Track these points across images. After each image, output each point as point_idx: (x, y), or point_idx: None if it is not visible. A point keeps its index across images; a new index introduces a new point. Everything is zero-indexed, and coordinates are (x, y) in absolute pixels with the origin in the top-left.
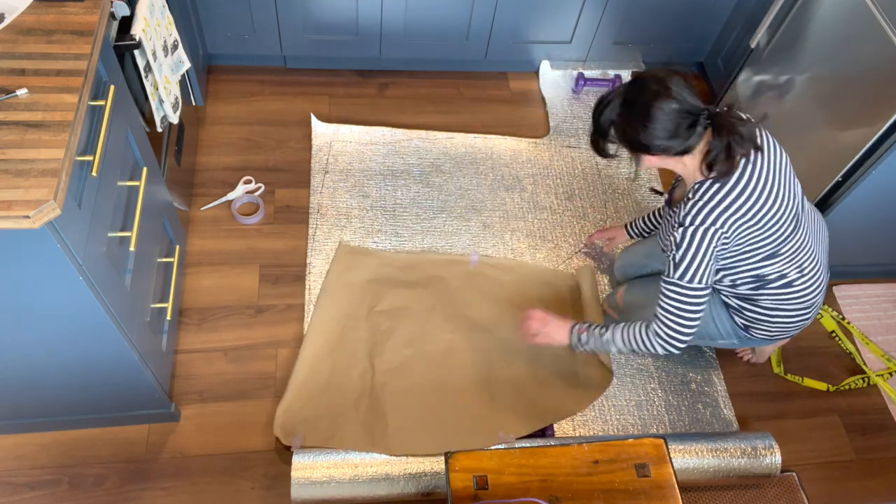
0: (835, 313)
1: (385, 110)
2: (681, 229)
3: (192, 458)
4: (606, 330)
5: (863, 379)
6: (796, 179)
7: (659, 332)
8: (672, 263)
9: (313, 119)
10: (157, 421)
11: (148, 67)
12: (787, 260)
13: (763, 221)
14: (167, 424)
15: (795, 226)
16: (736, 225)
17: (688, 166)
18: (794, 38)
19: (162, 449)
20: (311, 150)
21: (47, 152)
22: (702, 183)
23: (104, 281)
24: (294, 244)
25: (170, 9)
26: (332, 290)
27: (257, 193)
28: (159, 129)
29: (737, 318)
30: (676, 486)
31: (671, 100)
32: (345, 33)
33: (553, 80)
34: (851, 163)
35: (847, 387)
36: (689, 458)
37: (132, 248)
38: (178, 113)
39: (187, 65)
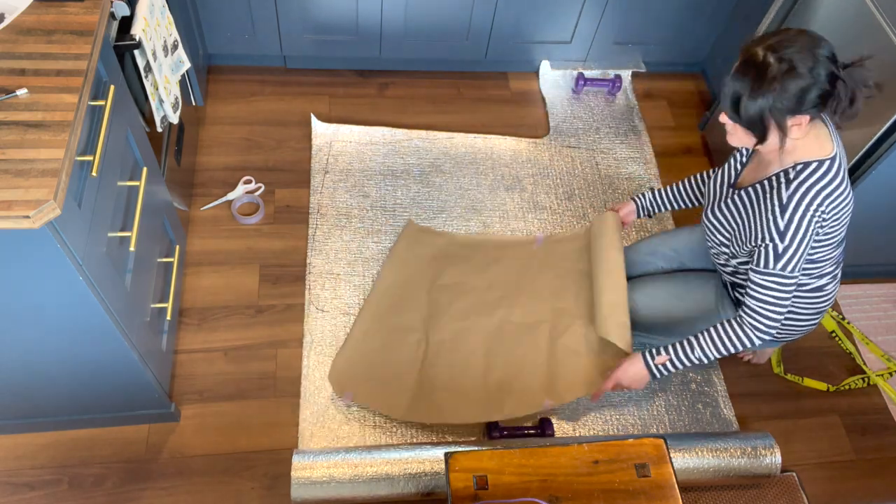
0: (835, 313)
1: (385, 110)
2: (786, 215)
3: (192, 458)
4: (688, 347)
5: (863, 379)
6: None
7: (757, 325)
8: (773, 254)
9: (313, 119)
10: (157, 421)
11: (148, 67)
12: (826, 261)
13: (844, 213)
14: (167, 424)
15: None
16: (835, 209)
17: (795, 146)
18: None
19: (162, 449)
20: (311, 150)
21: (47, 152)
22: (806, 164)
23: (104, 281)
24: (294, 244)
25: (170, 9)
26: (398, 260)
27: (257, 193)
28: (159, 129)
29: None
30: (676, 486)
31: (822, 46)
32: (345, 33)
33: (553, 80)
34: (852, 163)
35: (847, 387)
36: (689, 458)
37: (132, 248)
38: (178, 113)
39: (187, 65)
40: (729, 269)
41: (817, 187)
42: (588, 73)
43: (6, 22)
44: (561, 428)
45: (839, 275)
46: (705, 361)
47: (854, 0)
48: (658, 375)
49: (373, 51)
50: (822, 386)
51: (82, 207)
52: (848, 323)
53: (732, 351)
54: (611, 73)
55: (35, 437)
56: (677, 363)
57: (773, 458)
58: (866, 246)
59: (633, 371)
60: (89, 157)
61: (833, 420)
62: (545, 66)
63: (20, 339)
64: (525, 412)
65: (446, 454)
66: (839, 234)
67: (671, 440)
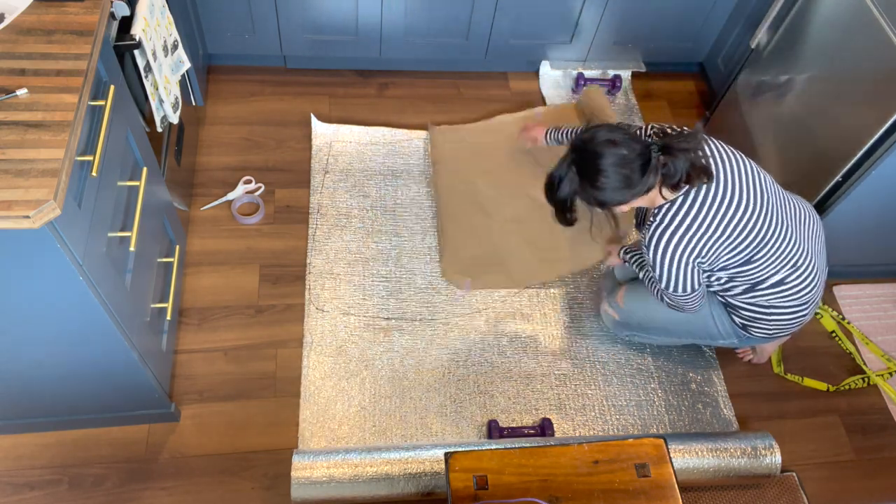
0: (835, 313)
1: (385, 110)
2: (649, 253)
3: (192, 458)
4: (640, 269)
5: (863, 379)
6: (765, 178)
7: (666, 303)
8: (657, 279)
9: (313, 119)
10: (157, 421)
11: (148, 67)
12: (773, 260)
13: (730, 230)
14: (167, 424)
15: (773, 225)
16: (701, 242)
17: (652, 198)
18: (794, 38)
19: (162, 449)
20: (311, 150)
21: (47, 152)
22: (660, 207)
23: (104, 281)
24: (294, 244)
25: (170, 9)
26: (442, 168)
27: (257, 193)
28: (159, 129)
29: (735, 318)
30: (676, 486)
31: (619, 148)
32: (345, 33)
33: (553, 80)
34: (851, 163)
35: (847, 387)
36: (689, 458)
37: (132, 248)
38: (178, 113)
39: (187, 65)
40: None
41: (671, 228)
42: (588, 73)
43: (6, 22)
44: (561, 428)
45: (811, 265)
46: (642, 277)
47: (854, 0)
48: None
49: (373, 51)
50: (822, 386)
51: (82, 207)
52: (848, 323)
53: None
54: (611, 73)
55: (35, 437)
56: (631, 262)
57: (773, 458)
58: (866, 246)
59: (612, 252)
60: (89, 157)
61: (833, 420)
62: (545, 66)
63: (20, 339)
64: (584, 265)
65: (446, 454)
66: (742, 254)
67: (671, 440)
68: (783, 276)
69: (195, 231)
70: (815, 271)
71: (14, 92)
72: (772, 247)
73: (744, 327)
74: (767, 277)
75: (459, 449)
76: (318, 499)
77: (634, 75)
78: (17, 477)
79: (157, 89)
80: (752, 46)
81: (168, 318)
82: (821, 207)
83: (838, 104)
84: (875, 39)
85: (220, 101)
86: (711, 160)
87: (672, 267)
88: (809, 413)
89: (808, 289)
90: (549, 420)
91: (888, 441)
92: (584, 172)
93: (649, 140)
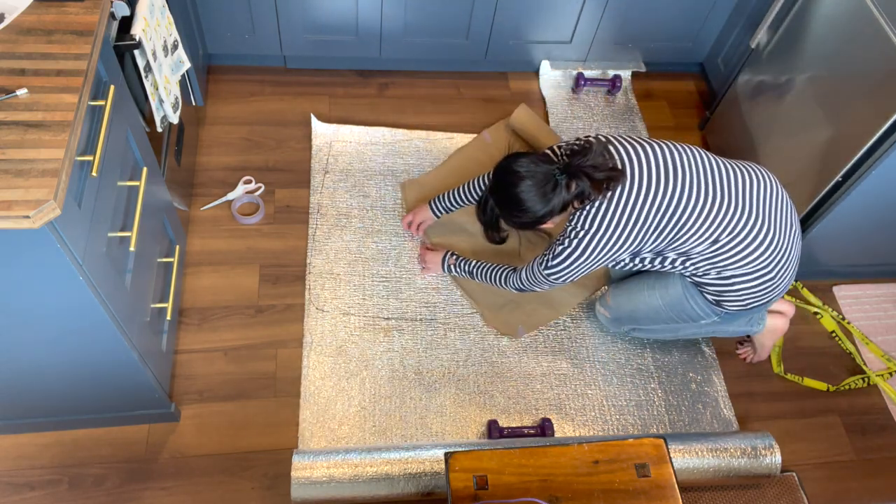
0: (835, 313)
1: (385, 110)
2: (559, 251)
3: (192, 458)
4: (472, 266)
5: (863, 379)
6: (687, 154)
7: (519, 284)
8: (550, 255)
9: (313, 119)
10: (157, 421)
11: (148, 67)
12: (710, 231)
13: (644, 217)
14: (167, 424)
15: (699, 197)
16: (612, 240)
17: (568, 212)
18: (794, 38)
19: (162, 449)
20: (311, 150)
21: (47, 152)
22: (576, 214)
23: (104, 281)
24: (294, 244)
25: (170, 9)
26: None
27: (257, 193)
28: (159, 129)
29: (707, 296)
30: (676, 486)
31: (524, 179)
32: (345, 33)
33: (553, 80)
34: (851, 163)
35: (847, 387)
36: (689, 458)
37: (132, 248)
38: (178, 113)
39: (187, 65)
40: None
41: (593, 233)
42: (588, 73)
43: (6, 22)
44: (561, 428)
45: (758, 232)
46: (479, 281)
47: (854, 0)
48: (445, 269)
49: (373, 51)
50: (822, 386)
51: (82, 207)
52: (848, 323)
53: (495, 286)
54: (611, 73)
55: (35, 437)
56: (458, 271)
57: (773, 458)
58: (866, 246)
59: (433, 259)
60: (89, 157)
61: (833, 420)
62: (545, 66)
63: (20, 338)
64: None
65: (446, 454)
66: (670, 221)
67: (671, 440)
68: (728, 245)
69: (195, 231)
70: (770, 234)
71: (14, 92)
72: (704, 219)
73: (717, 303)
74: (713, 250)
75: (459, 449)
76: (318, 499)
77: (634, 75)
78: (17, 477)
79: (157, 89)
80: (752, 46)
81: (168, 318)
82: (821, 207)
83: (838, 104)
84: (875, 39)
85: (220, 101)
86: (619, 160)
87: (573, 266)
88: (809, 413)
89: (767, 254)
90: (549, 420)
91: (888, 441)
92: (502, 203)
93: (555, 165)
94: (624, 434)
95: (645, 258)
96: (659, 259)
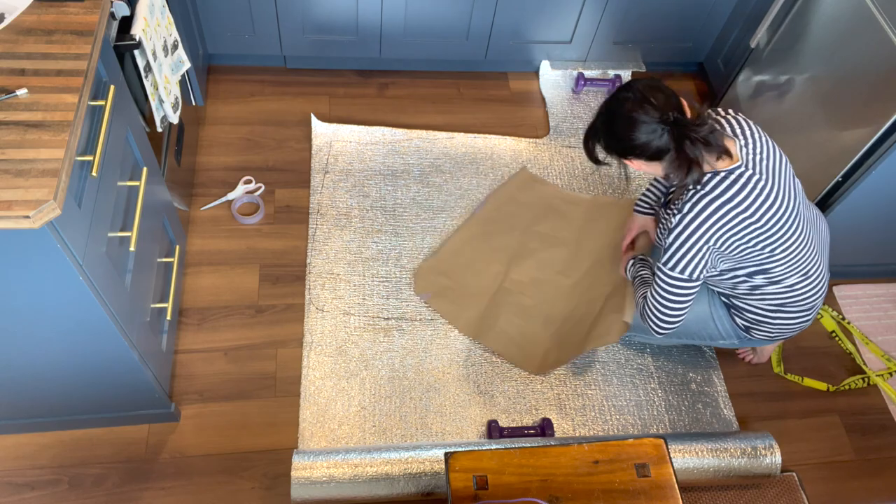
0: (835, 313)
1: (385, 110)
2: (678, 216)
3: (192, 458)
4: (638, 281)
5: (863, 379)
6: (795, 178)
7: (646, 310)
8: (662, 249)
9: (313, 119)
10: (157, 421)
11: (148, 67)
12: (790, 261)
13: (766, 220)
14: (167, 424)
15: (798, 226)
16: (737, 220)
17: (665, 170)
18: (794, 38)
19: (162, 449)
20: (311, 150)
21: (47, 152)
22: (712, 175)
23: (104, 281)
24: (294, 244)
25: (170, 9)
26: (505, 197)
27: (257, 193)
28: (159, 129)
29: (737, 319)
30: (676, 486)
31: (640, 110)
32: (345, 33)
33: (553, 80)
34: (851, 163)
35: (847, 387)
36: (689, 458)
37: (132, 248)
38: (178, 113)
39: (187, 65)
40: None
41: (709, 197)
42: (588, 73)
43: (6, 22)
44: (561, 428)
45: (822, 272)
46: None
47: (854, 0)
48: (626, 270)
49: (373, 51)
50: (822, 386)
51: (82, 207)
52: (848, 323)
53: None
54: (611, 73)
55: (35, 437)
56: (633, 277)
57: (773, 458)
58: (866, 246)
59: (623, 259)
60: (89, 157)
61: (833, 420)
62: (545, 66)
63: (20, 338)
64: (566, 360)
65: (446, 454)
66: (767, 247)
67: (671, 440)
68: (796, 280)
69: (195, 231)
70: (823, 277)
71: (14, 92)
72: (793, 247)
73: (746, 329)
74: (783, 279)
75: (459, 449)
76: (318, 499)
77: (634, 75)
78: (17, 477)
79: (157, 89)
80: (752, 46)
81: (168, 318)
82: (821, 207)
83: (838, 104)
84: (875, 39)
85: (220, 101)
86: (746, 149)
87: (694, 235)
88: (809, 413)
89: (817, 294)
90: (549, 420)
91: (888, 441)
92: (612, 117)
93: (674, 116)
94: (624, 434)
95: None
96: (721, 275)
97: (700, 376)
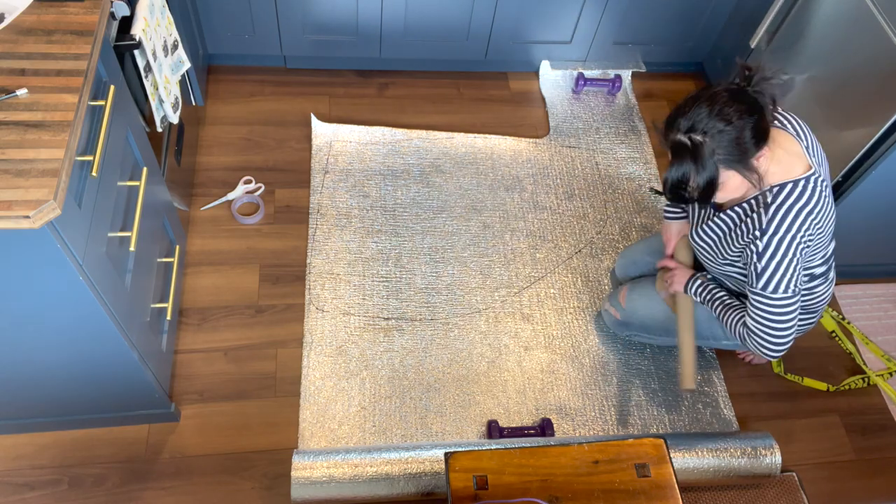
0: (835, 313)
1: (385, 110)
2: (765, 238)
3: (192, 458)
4: (720, 305)
5: (863, 379)
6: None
7: (755, 338)
8: (755, 274)
9: (313, 119)
10: (157, 421)
11: (148, 67)
12: (826, 261)
13: (829, 223)
14: (167, 424)
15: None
16: (818, 226)
17: (762, 165)
18: (794, 38)
19: (162, 449)
20: (311, 150)
21: (47, 152)
22: (781, 186)
23: (104, 281)
24: (294, 244)
25: (170, 9)
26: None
27: (257, 193)
28: (159, 129)
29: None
30: (676, 486)
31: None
32: (345, 33)
33: (553, 80)
34: (851, 163)
35: (847, 387)
36: (689, 458)
37: (132, 248)
38: (178, 113)
39: (187, 65)
40: (721, 272)
41: (795, 208)
42: (588, 73)
43: (6, 22)
44: (561, 428)
45: (831, 275)
46: (716, 317)
47: (854, 0)
48: (687, 289)
49: (373, 51)
50: (822, 386)
51: (82, 207)
52: (848, 323)
53: (736, 339)
54: (611, 73)
55: (35, 437)
56: (700, 298)
57: (773, 458)
58: (866, 246)
59: (681, 275)
60: (89, 157)
61: (833, 420)
62: (545, 66)
63: (20, 339)
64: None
65: (446, 454)
66: (823, 244)
67: (671, 440)
68: (813, 284)
69: (195, 231)
70: (833, 275)
71: (14, 92)
72: (830, 246)
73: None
74: (816, 279)
75: (459, 449)
76: (318, 499)
77: (634, 75)
78: (17, 477)
79: (157, 89)
80: (752, 46)
81: (168, 318)
82: None
83: (838, 104)
84: (875, 39)
85: (220, 101)
86: (809, 150)
87: (787, 253)
88: (809, 413)
89: (829, 291)
90: (549, 420)
91: (888, 441)
92: (733, 120)
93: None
94: (624, 434)
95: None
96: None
97: (700, 376)
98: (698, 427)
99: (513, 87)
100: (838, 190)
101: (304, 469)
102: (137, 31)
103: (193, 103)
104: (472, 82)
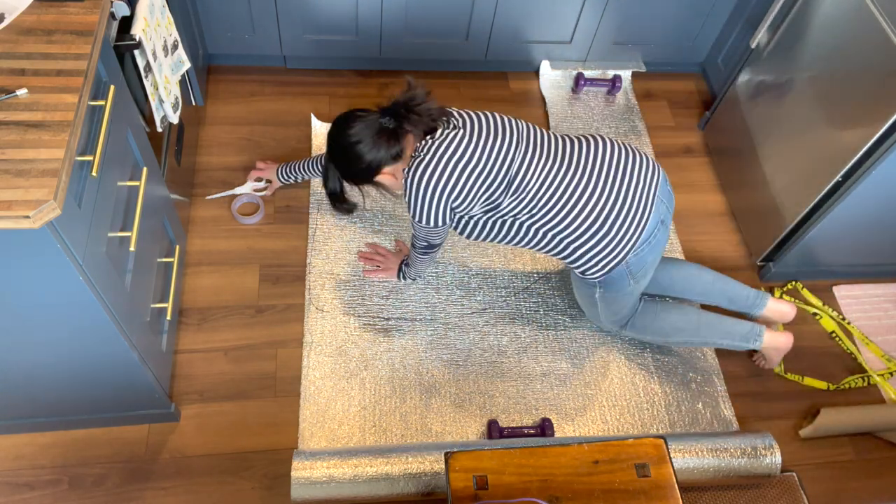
0: (835, 313)
1: None
2: (408, 187)
3: (192, 458)
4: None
5: (863, 378)
6: (524, 123)
7: (413, 254)
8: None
9: (313, 119)
10: (157, 421)
11: (148, 67)
12: (539, 193)
13: (485, 160)
14: (167, 424)
15: (533, 154)
16: (457, 172)
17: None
18: (794, 38)
19: (162, 449)
20: (311, 150)
21: (47, 152)
22: (418, 147)
23: (104, 281)
24: (294, 244)
25: (170, 9)
26: None
27: (261, 194)
28: (159, 129)
29: (576, 272)
30: (676, 486)
31: (354, 125)
32: (345, 33)
33: (553, 80)
34: (851, 163)
35: (847, 386)
36: (689, 458)
37: (132, 248)
38: (178, 113)
39: (187, 65)
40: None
41: (429, 157)
42: (588, 73)
43: (6, 22)
44: (561, 428)
45: (592, 188)
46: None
47: (854, 0)
48: (400, 276)
49: (373, 51)
50: (822, 385)
51: (82, 207)
52: (848, 323)
53: (417, 265)
54: (611, 73)
55: (35, 437)
56: (409, 271)
57: (773, 458)
58: (866, 246)
59: (391, 261)
60: (89, 157)
61: None
62: (545, 66)
63: (20, 339)
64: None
65: (446, 454)
66: (505, 172)
67: (671, 440)
68: (556, 198)
69: (195, 231)
70: (599, 194)
71: (14, 92)
72: (534, 171)
73: (583, 273)
74: (541, 212)
75: (459, 449)
76: (318, 499)
77: (634, 75)
78: (17, 477)
79: (157, 89)
80: (752, 46)
81: (168, 318)
82: (821, 207)
83: (838, 104)
84: (875, 39)
85: (220, 101)
86: (460, 117)
87: (426, 197)
88: (810, 413)
89: (594, 215)
90: (549, 420)
91: (888, 441)
92: (337, 155)
93: (382, 111)
94: (624, 434)
95: (499, 220)
96: (510, 224)
97: (700, 376)
98: (698, 427)
99: (513, 87)
100: (838, 190)
101: (304, 469)
102: (137, 31)
103: (193, 103)
104: (472, 82)
